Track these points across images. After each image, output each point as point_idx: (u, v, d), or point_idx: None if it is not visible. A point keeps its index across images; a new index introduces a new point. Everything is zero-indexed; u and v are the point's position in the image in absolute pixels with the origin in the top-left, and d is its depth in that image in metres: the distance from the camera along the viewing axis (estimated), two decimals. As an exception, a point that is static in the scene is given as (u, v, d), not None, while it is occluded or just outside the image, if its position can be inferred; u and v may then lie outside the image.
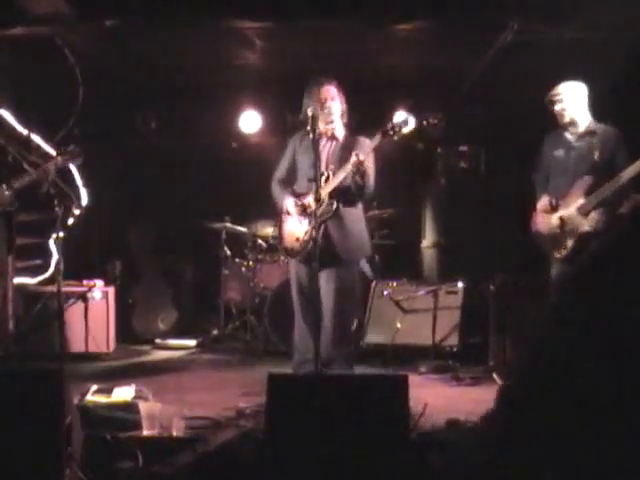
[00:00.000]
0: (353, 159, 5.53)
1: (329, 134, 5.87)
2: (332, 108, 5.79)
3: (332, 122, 5.83)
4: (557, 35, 6.87)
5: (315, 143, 5.38)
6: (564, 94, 5.80)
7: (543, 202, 5.90)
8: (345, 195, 5.74)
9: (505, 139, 8.36)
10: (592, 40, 6.92)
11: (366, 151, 5.74)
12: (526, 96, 8.00)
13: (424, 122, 5.68)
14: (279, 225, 6.00)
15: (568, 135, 5.86)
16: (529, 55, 7.18)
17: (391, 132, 5.64)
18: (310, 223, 5.64)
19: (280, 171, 6.06)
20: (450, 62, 7.77)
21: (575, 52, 6.96)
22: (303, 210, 5.73)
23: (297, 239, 5.75)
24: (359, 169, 5.56)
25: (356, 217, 5.87)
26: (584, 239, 5.67)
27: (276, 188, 6.02)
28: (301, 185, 5.86)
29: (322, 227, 5.63)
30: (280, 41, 7.46)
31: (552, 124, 5.99)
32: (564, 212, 5.75)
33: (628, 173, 5.47)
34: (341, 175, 5.64)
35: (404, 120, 5.86)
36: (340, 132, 5.89)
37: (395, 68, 7.98)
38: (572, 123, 5.81)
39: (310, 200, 5.61)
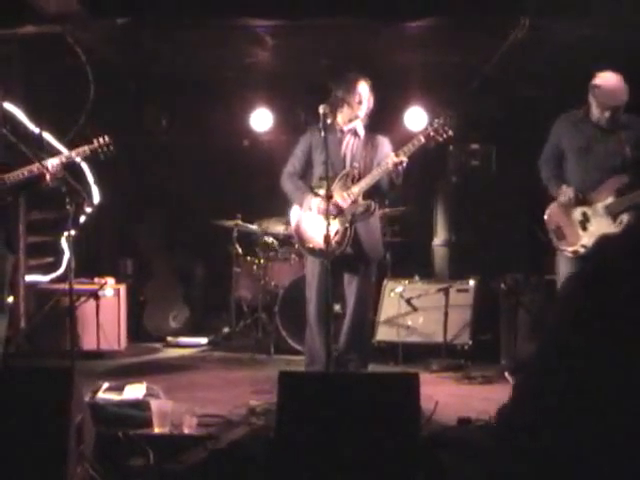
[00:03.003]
0: (394, 159, 5.51)
1: (353, 130, 5.85)
2: (365, 106, 5.80)
3: (358, 118, 5.82)
4: (569, 32, 6.85)
5: (326, 140, 5.34)
6: (609, 83, 5.41)
7: (566, 194, 5.53)
8: (377, 195, 5.74)
9: (516, 137, 8.34)
10: (604, 37, 6.90)
11: (387, 150, 5.77)
12: (537, 94, 8.01)
13: (437, 120, 5.62)
14: (298, 223, 5.90)
15: (597, 124, 5.51)
16: (540, 53, 7.16)
17: (433, 133, 5.55)
18: (341, 223, 5.60)
19: (292, 165, 5.96)
20: (461, 60, 7.76)
21: (588, 49, 6.94)
22: (334, 210, 5.55)
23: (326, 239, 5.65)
24: (397, 169, 5.55)
25: (377, 215, 5.89)
26: (608, 240, 5.41)
27: (289, 182, 5.93)
28: (318, 181, 5.80)
29: (353, 227, 5.65)
30: (291, 39, 7.45)
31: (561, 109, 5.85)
32: (589, 209, 5.48)
33: None
34: (377, 176, 5.62)
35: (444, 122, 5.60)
36: (361, 129, 5.88)
37: (406, 66, 7.96)
38: (612, 113, 5.42)
39: (340, 200, 5.56)
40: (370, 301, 6.20)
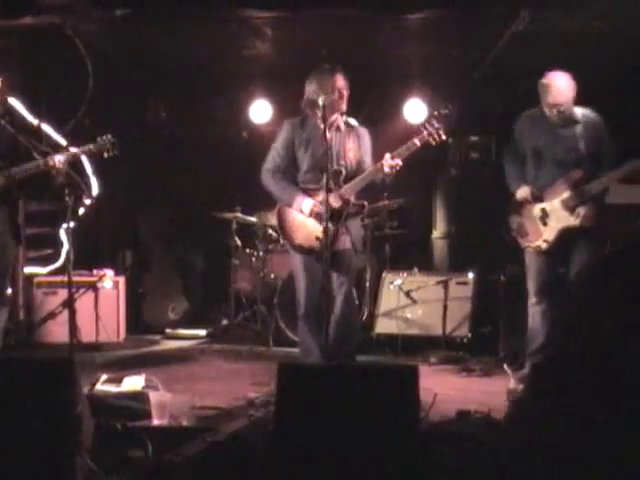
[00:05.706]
0: (389, 162, 5.42)
1: (335, 125, 5.68)
2: (345, 98, 5.68)
3: (339, 112, 5.67)
4: (569, 24, 6.84)
5: (324, 131, 5.25)
6: (555, 81, 5.56)
7: (524, 191, 5.71)
8: (367, 192, 5.69)
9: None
10: (605, 30, 6.89)
11: (367, 141, 5.72)
12: (537, 87, 7.99)
13: (435, 113, 5.58)
14: (284, 221, 5.73)
15: (551, 122, 5.65)
16: (540, 45, 7.14)
17: (428, 138, 5.48)
18: (332, 223, 5.38)
19: (273, 161, 5.78)
20: (461, 52, 7.74)
21: (589, 42, 6.93)
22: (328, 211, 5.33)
23: (317, 238, 5.43)
24: (391, 171, 5.49)
25: None
26: (567, 233, 5.56)
27: (273, 181, 5.75)
28: (305, 178, 5.69)
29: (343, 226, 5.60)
30: (291, 30, 7.43)
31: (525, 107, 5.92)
32: (547, 204, 5.64)
33: (618, 174, 5.41)
34: (370, 177, 5.54)
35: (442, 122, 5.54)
36: (342, 123, 5.73)
37: (406, 58, 7.94)
38: (559, 110, 5.57)
39: (332, 200, 5.39)
40: (355, 293, 6.15)
